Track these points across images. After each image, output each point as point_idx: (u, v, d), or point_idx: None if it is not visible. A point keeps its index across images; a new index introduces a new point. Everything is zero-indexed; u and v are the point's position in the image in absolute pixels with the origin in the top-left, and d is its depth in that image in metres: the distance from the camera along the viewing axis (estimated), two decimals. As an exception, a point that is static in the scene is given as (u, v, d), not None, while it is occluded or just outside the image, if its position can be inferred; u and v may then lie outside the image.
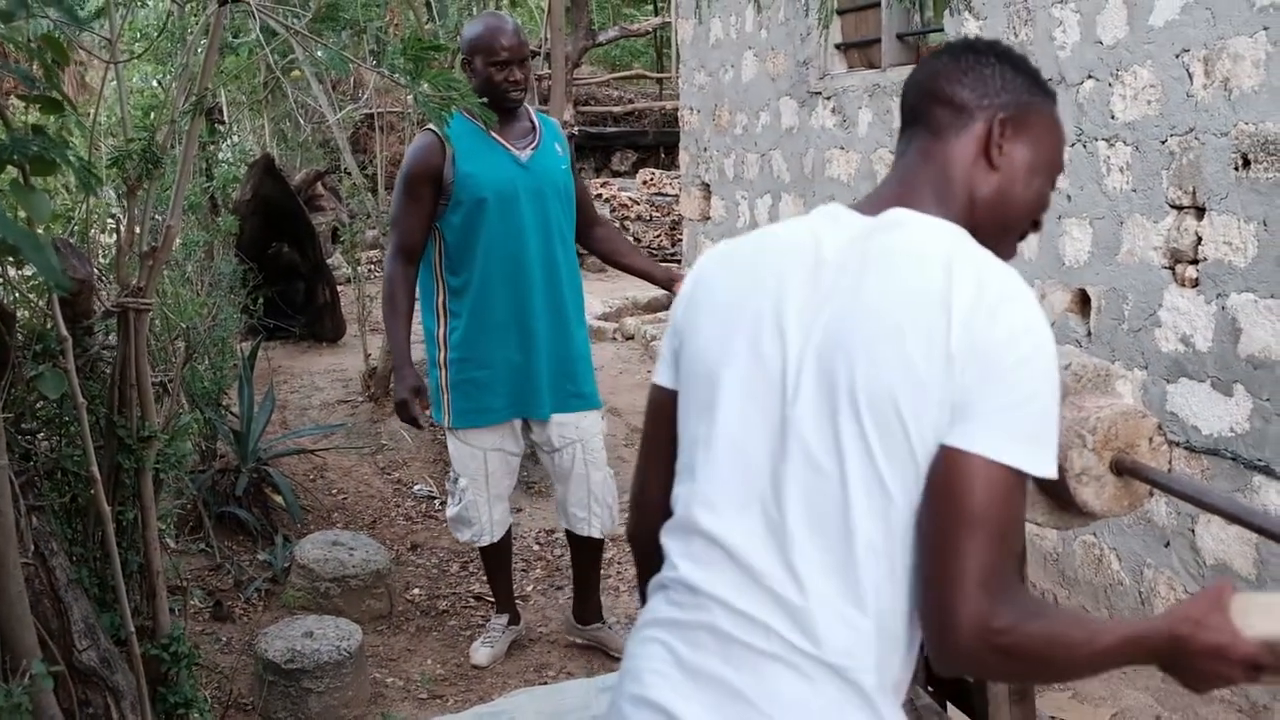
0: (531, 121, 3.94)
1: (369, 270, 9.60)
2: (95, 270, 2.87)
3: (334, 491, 5.89)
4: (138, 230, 2.69)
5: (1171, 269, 4.03)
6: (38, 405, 2.68)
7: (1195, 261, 3.92)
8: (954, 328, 1.39)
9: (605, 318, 9.17)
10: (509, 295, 3.83)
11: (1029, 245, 4.77)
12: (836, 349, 1.45)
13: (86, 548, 2.67)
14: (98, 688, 2.55)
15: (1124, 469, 2.11)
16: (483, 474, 3.99)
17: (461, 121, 3.64)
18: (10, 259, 2.37)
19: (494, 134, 3.78)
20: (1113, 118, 4.25)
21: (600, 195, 13.66)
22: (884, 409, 1.41)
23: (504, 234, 3.79)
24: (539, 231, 3.84)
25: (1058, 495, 2.22)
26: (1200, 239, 3.88)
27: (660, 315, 9.13)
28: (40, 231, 2.22)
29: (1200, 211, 3.89)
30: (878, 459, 1.42)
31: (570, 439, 3.99)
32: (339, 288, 8.81)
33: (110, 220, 4.32)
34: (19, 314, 2.60)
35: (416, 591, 4.89)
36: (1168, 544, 4.10)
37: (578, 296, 4.00)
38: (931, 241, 1.49)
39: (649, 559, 1.67)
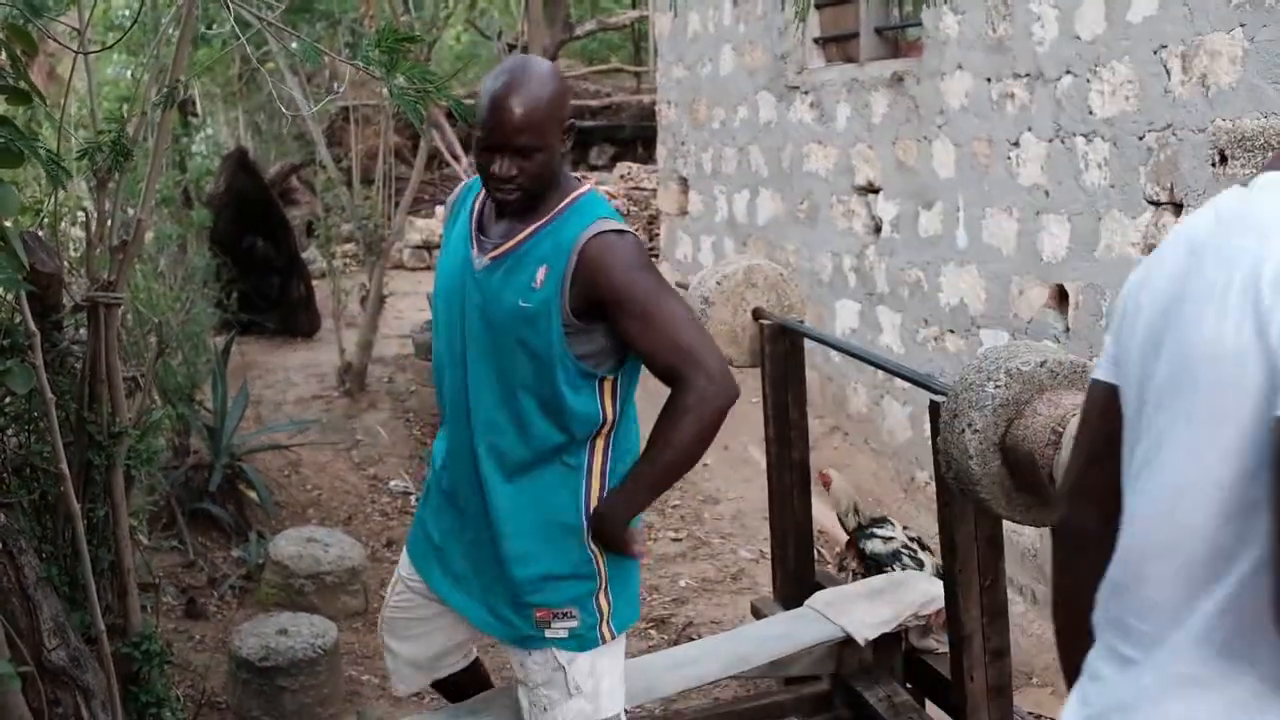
0: (541, 221, 2.45)
1: (344, 265, 9.55)
2: (65, 264, 2.83)
3: (309, 487, 5.84)
4: (108, 224, 2.65)
5: (1149, 265, 4.02)
6: (5, 401, 2.63)
7: (1173, 257, 3.92)
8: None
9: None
10: (444, 429, 2.70)
11: (1007, 241, 4.78)
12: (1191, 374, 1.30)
13: (56, 545, 2.62)
14: (67, 687, 2.50)
15: None
16: (391, 598, 2.87)
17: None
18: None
19: (482, 213, 2.56)
20: (1091, 113, 4.25)
21: (577, 189, 13.60)
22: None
23: (446, 353, 2.60)
24: (485, 373, 2.49)
25: (1036, 492, 2.21)
26: (1178, 235, 3.89)
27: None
28: (8, 225, 2.18)
29: (1178, 208, 3.89)
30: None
31: (517, 678, 2.64)
32: (314, 282, 8.76)
33: (81, 213, 4.27)
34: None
35: (392, 588, 4.86)
36: (1144, 540, 4.10)
37: (526, 497, 2.50)
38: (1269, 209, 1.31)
39: (1081, 554, 1.53)
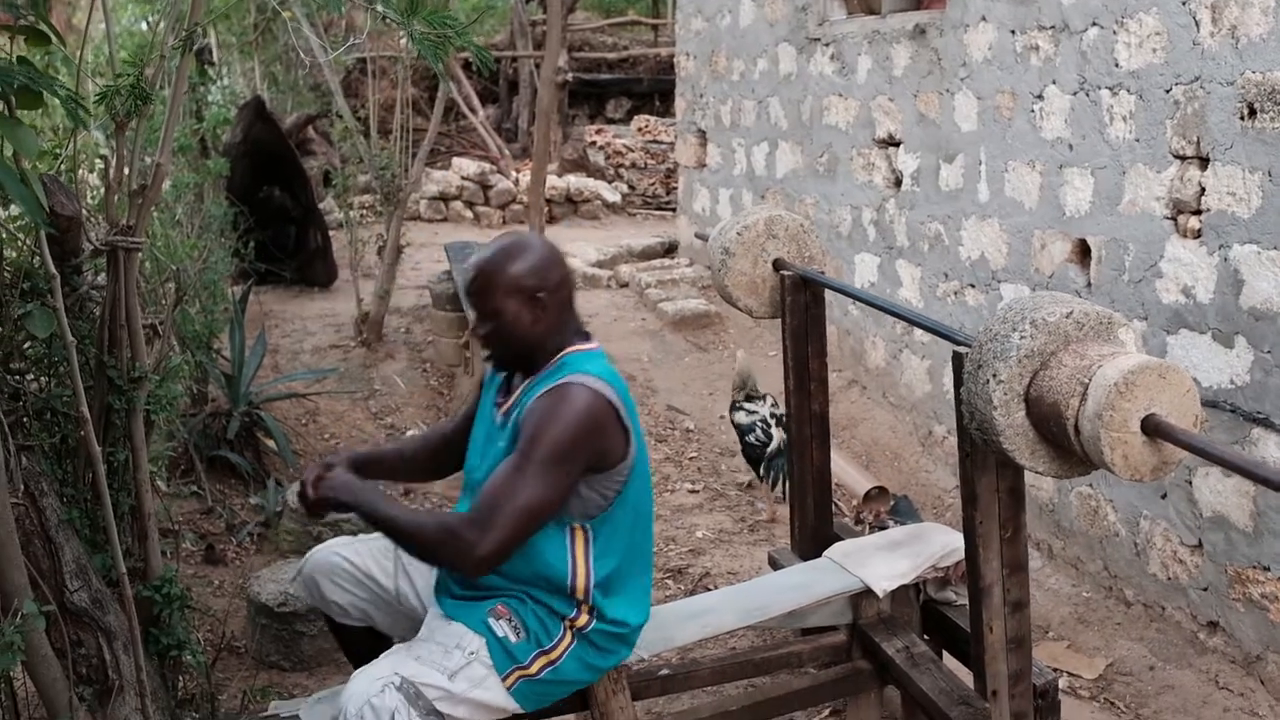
0: (526, 382, 2.65)
1: (361, 216, 9.53)
2: (84, 209, 2.82)
3: (326, 436, 5.86)
4: (126, 169, 2.64)
5: (1174, 220, 3.99)
6: (26, 345, 2.64)
7: (1198, 212, 3.88)
8: None
9: (600, 265, 9.11)
10: None
11: (1029, 195, 4.74)
12: None
13: (77, 489, 2.64)
14: (90, 628, 2.52)
15: (1155, 430, 2.05)
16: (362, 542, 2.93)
17: None
18: (-3, 195, 2.32)
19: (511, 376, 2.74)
20: (1117, 66, 4.19)
21: (595, 143, 13.56)
22: None
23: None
24: None
25: (1060, 444, 2.20)
26: (1204, 189, 3.84)
27: (654, 263, 9.07)
28: (27, 167, 2.17)
29: (1204, 162, 3.85)
30: None
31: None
32: (331, 233, 8.74)
33: (99, 161, 4.26)
34: (6, 253, 2.55)
35: (409, 537, 4.87)
36: (1165, 495, 4.09)
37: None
38: None
39: None
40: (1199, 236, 3.87)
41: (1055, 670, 3.76)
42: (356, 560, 2.79)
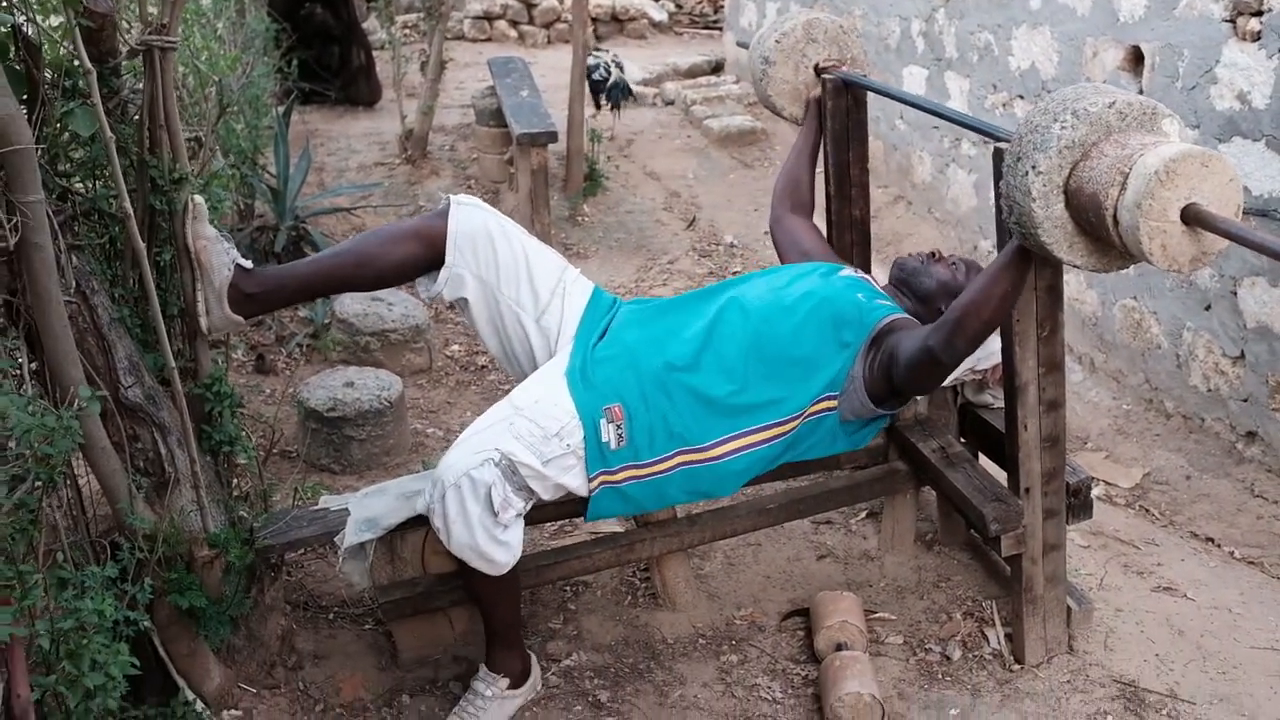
0: None
1: (404, 35, 9.41)
2: (118, 11, 2.80)
3: (372, 252, 5.89)
4: (160, -34, 2.61)
5: (1232, 22, 3.86)
6: (71, 146, 2.66)
7: (1259, 13, 3.75)
8: None
9: (646, 83, 8.98)
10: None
11: (1082, 1, 4.59)
12: None
13: (127, 289, 2.69)
14: (145, 423, 2.60)
15: (1194, 219, 2.02)
16: None
17: None
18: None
19: None
20: None
21: (641, -42, 13.22)
22: None
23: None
24: None
25: (1099, 236, 2.18)
26: (1265, -12, 3.72)
27: (700, 81, 8.93)
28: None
29: (1267, -41, 3.71)
30: None
31: None
32: (374, 53, 8.66)
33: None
34: (45, 53, 2.55)
35: (456, 348, 4.95)
36: (1209, 307, 4.06)
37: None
38: None
39: None
40: (1258, 39, 3.75)
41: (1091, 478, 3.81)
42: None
